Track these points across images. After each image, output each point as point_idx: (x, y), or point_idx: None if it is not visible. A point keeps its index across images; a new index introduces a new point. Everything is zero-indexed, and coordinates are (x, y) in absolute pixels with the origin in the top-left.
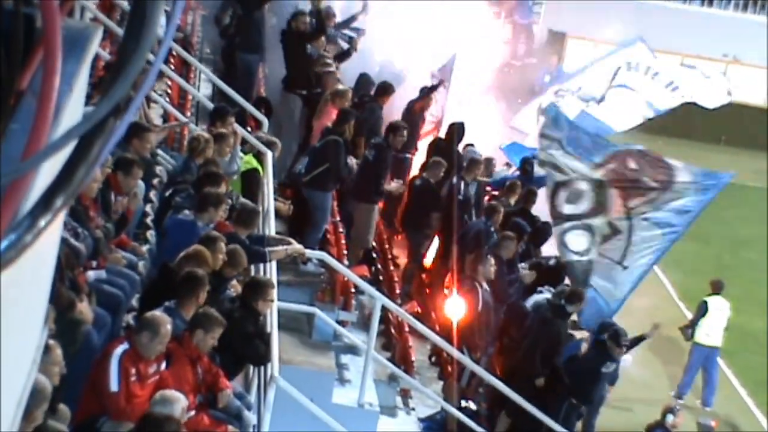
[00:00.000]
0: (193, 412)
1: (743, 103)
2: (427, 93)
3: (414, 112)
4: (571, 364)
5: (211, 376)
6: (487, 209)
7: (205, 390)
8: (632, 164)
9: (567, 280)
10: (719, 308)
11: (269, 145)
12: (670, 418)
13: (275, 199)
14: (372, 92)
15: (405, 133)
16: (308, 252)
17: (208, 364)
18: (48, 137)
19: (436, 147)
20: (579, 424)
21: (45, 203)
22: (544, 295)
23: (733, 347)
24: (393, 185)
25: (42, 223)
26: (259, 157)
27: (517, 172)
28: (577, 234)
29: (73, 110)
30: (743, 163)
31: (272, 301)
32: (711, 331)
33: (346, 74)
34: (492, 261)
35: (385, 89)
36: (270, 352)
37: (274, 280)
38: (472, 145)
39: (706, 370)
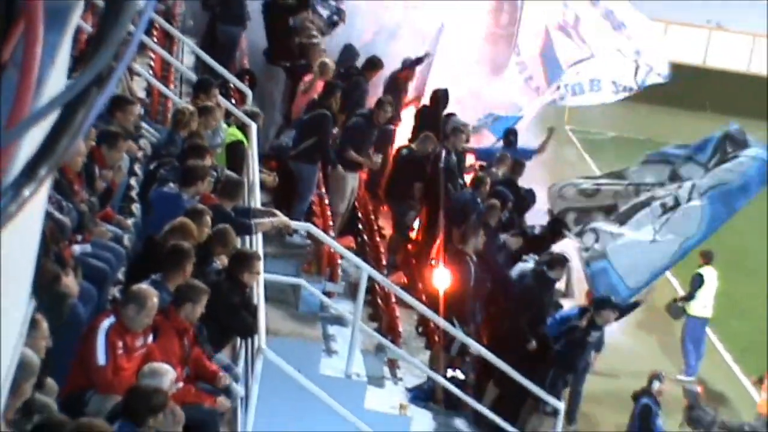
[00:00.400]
0: (180, 384)
1: (727, 70)
2: (411, 65)
3: (398, 83)
4: (562, 334)
5: (196, 354)
6: (474, 181)
7: (192, 366)
8: (729, 148)
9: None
10: (711, 278)
11: (253, 116)
12: (656, 384)
13: (260, 171)
14: (357, 63)
15: (390, 109)
16: (294, 224)
17: (193, 339)
18: (31, 108)
19: (421, 115)
20: (566, 392)
21: (29, 173)
22: (529, 264)
23: (718, 314)
24: (374, 159)
25: (26, 193)
26: (243, 129)
27: (501, 144)
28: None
29: (56, 82)
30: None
31: (258, 273)
32: (707, 303)
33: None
34: (482, 232)
35: (374, 64)
36: (257, 323)
37: (260, 252)
38: (453, 114)
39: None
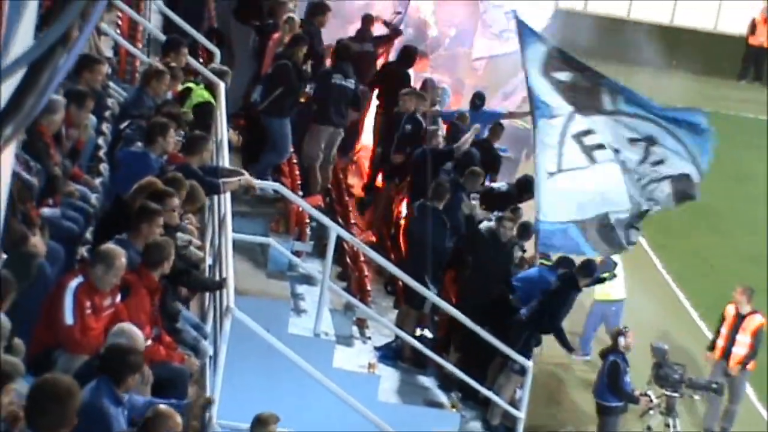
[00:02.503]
0: (149, 342)
1: (695, 29)
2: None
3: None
4: (544, 297)
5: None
6: (426, 138)
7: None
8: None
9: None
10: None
11: (221, 75)
12: (621, 340)
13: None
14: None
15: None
16: (263, 183)
17: (161, 297)
18: None
19: (384, 72)
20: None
21: None
22: (492, 222)
23: (686, 272)
24: None
25: None
26: (210, 88)
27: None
28: None
29: (22, 40)
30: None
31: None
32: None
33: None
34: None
35: (317, 10)
36: (210, 279)
37: (229, 211)
38: (430, 78)
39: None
